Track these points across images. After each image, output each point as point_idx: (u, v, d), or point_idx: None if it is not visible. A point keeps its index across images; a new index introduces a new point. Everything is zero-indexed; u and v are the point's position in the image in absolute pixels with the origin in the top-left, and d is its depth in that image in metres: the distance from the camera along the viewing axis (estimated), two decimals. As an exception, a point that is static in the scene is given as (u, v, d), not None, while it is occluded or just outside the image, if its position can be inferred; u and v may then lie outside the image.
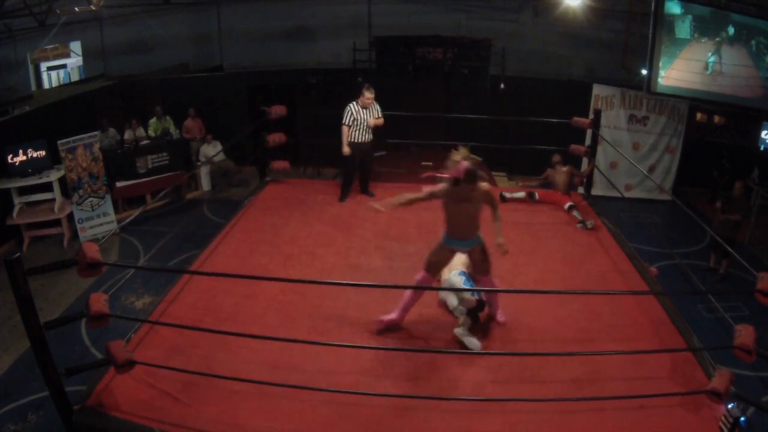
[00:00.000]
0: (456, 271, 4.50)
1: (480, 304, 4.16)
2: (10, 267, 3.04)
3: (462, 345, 4.04)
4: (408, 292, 4.19)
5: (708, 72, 8.30)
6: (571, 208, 6.34)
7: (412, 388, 3.70)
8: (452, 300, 4.39)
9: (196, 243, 7.11)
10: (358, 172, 6.65)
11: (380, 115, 6.40)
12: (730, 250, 4.82)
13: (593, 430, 3.39)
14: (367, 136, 6.39)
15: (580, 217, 6.14)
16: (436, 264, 4.18)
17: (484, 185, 4.05)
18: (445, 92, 11.48)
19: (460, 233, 4.10)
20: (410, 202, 4.22)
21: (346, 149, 6.29)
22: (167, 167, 9.43)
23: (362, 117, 6.26)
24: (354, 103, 6.28)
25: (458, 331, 4.08)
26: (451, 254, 4.21)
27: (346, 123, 6.26)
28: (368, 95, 6.21)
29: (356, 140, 6.33)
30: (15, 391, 5.19)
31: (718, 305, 5.07)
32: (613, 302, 4.59)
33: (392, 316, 4.22)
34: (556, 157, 6.86)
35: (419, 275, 4.21)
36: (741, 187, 7.17)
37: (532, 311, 4.33)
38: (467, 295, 4.22)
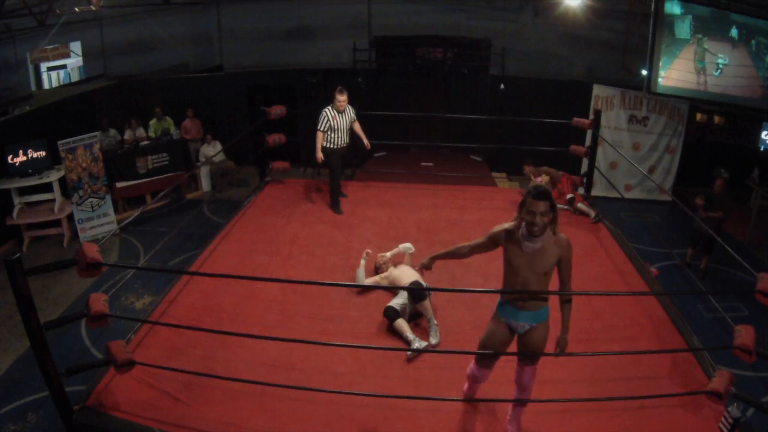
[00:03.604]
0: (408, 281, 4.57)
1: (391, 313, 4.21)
2: (10, 267, 3.05)
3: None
4: (469, 371, 3.41)
5: (708, 72, 8.30)
6: (572, 200, 6.36)
7: (412, 388, 3.70)
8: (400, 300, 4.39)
9: (196, 243, 7.12)
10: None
11: (354, 117, 6.28)
12: (730, 250, 4.79)
13: (593, 430, 3.38)
14: (345, 141, 6.28)
15: (586, 210, 6.18)
16: (491, 349, 3.24)
17: (564, 236, 3.06)
18: (445, 92, 11.50)
19: (522, 301, 3.11)
20: (465, 254, 3.32)
21: (319, 155, 6.11)
22: (167, 167, 9.42)
23: (338, 122, 6.12)
24: (329, 108, 6.10)
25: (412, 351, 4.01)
26: (508, 331, 3.21)
27: (321, 129, 6.08)
28: (341, 98, 6.04)
29: (335, 145, 6.19)
30: (15, 391, 5.18)
31: (718, 305, 5.07)
32: (613, 302, 4.59)
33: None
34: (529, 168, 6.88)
35: (471, 370, 3.37)
36: (722, 184, 7.11)
37: (532, 311, 4.32)
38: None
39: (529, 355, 3.18)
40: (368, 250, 5.02)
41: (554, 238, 3.00)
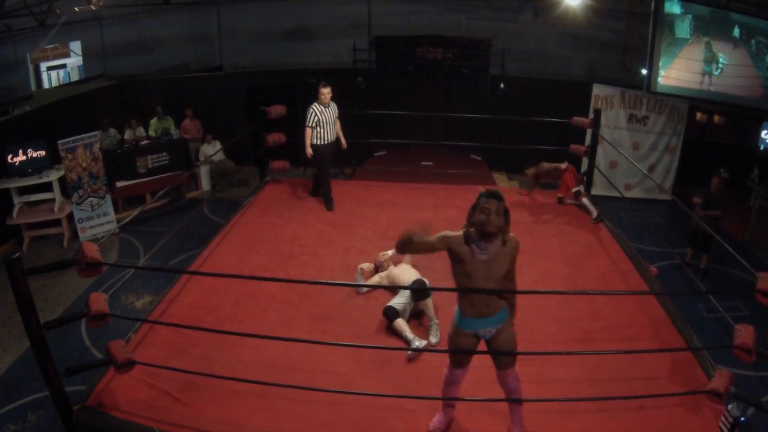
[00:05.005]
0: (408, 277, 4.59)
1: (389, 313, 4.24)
2: (10, 267, 3.05)
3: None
4: (443, 388, 3.36)
5: (707, 72, 8.30)
6: (578, 194, 6.41)
7: (412, 388, 3.70)
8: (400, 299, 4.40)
9: (196, 243, 7.11)
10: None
11: (337, 114, 6.35)
12: (731, 250, 4.79)
13: (593, 430, 3.38)
14: (333, 136, 6.35)
15: (590, 207, 6.22)
16: (460, 357, 3.23)
17: (514, 236, 3.07)
18: (445, 92, 11.50)
19: (487, 306, 3.04)
20: (418, 244, 3.04)
21: (309, 151, 6.22)
22: (167, 167, 9.42)
23: (326, 116, 6.20)
24: (315, 103, 6.19)
25: (416, 345, 4.02)
26: (475, 340, 3.17)
27: (310, 125, 6.17)
28: (324, 91, 6.13)
29: (324, 141, 6.26)
30: (15, 391, 5.18)
31: (718, 305, 5.07)
32: (613, 302, 4.59)
33: (441, 419, 3.40)
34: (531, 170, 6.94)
35: (447, 371, 3.30)
36: (718, 182, 7.10)
37: (533, 311, 4.33)
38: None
39: (506, 357, 3.17)
40: (362, 267, 4.93)
41: (507, 237, 3.01)
